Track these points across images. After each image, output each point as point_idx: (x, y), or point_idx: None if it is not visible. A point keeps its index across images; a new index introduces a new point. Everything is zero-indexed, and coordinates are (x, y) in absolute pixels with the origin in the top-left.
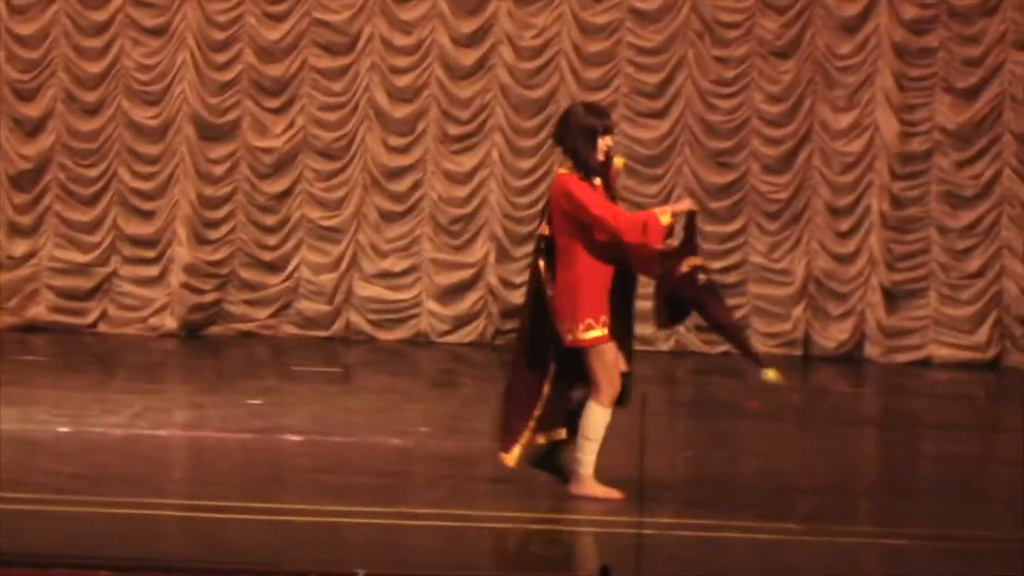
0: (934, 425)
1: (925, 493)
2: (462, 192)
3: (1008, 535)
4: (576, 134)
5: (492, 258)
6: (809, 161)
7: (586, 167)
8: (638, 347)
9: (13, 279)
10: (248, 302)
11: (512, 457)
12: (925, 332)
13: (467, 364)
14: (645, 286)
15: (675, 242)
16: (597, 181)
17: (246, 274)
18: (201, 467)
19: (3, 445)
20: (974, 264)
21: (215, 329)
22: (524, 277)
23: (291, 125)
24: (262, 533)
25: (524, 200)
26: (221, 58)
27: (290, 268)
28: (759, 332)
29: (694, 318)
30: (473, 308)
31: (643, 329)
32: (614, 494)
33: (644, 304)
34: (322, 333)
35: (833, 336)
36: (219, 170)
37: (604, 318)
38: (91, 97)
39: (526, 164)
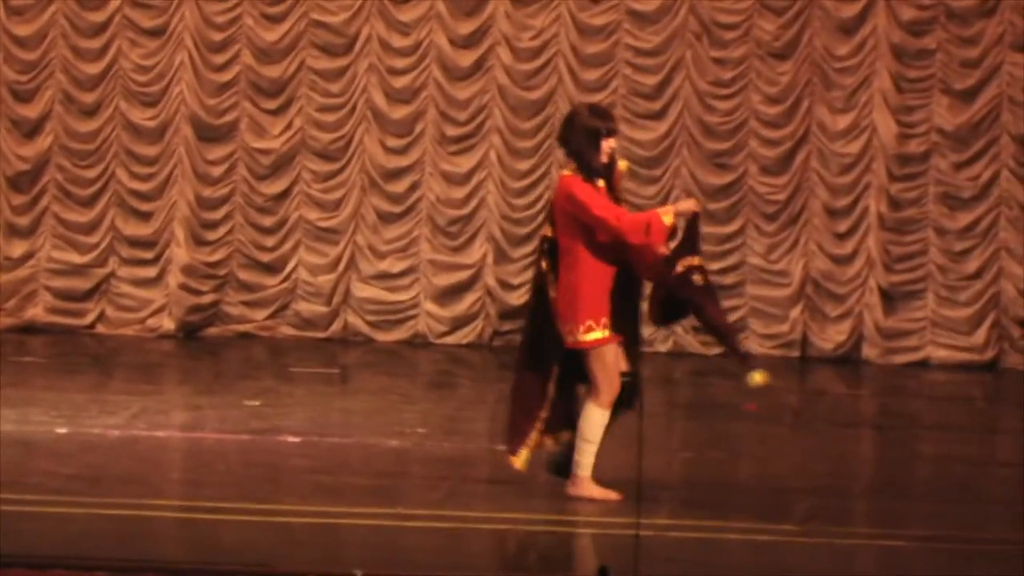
0: (932, 426)
1: (923, 494)
2: (460, 193)
3: (1006, 536)
4: (580, 136)
5: (490, 259)
6: (807, 162)
7: (589, 169)
8: None
9: (11, 280)
10: (246, 303)
11: (520, 460)
12: (923, 333)
13: (465, 365)
14: (648, 286)
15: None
16: (600, 183)
17: (244, 275)
18: (199, 468)
19: (1, 446)
20: (972, 266)
21: (213, 330)
22: (522, 278)
23: (289, 126)
24: (260, 534)
25: (522, 201)
26: (219, 59)
27: (288, 269)
28: (757, 333)
29: (691, 319)
30: (471, 309)
31: (642, 330)
32: (612, 495)
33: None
34: (320, 334)
35: (831, 337)
36: (217, 171)
37: (605, 320)
38: (89, 98)
39: (524, 165)
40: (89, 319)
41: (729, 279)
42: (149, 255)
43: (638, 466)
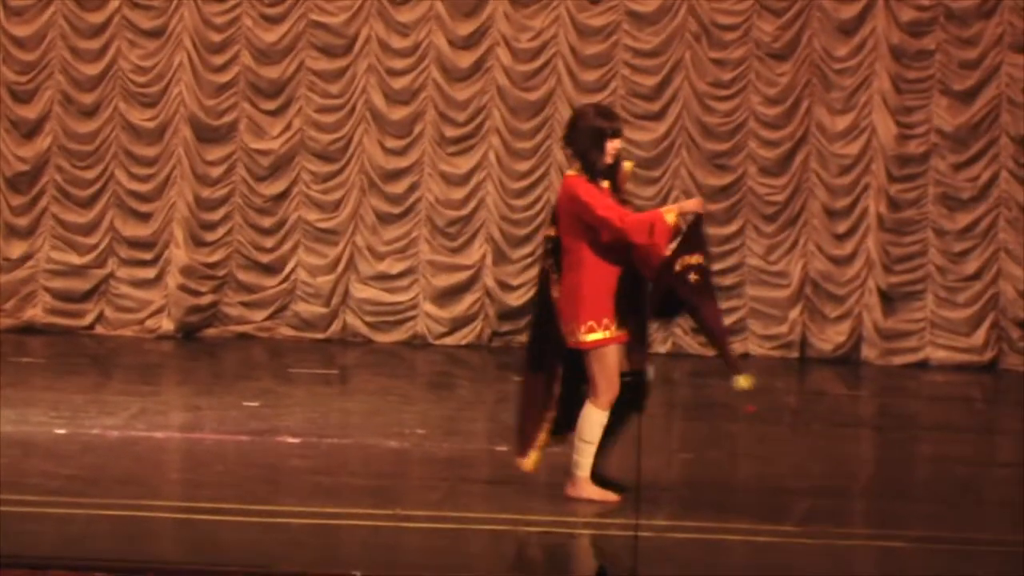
0: (931, 427)
1: (922, 495)
2: (459, 194)
3: (1005, 537)
4: (584, 136)
5: (489, 260)
6: (806, 163)
7: (593, 169)
8: None
9: (10, 281)
10: (245, 304)
11: (529, 462)
12: (922, 334)
13: (464, 366)
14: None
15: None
16: (605, 183)
17: (243, 276)
18: (198, 469)
19: (1, 447)
20: (971, 266)
21: (212, 331)
22: (521, 279)
23: (288, 127)
24: (258, 535)
25: (521, 202)
26: (218, 60)
27: (287, 270)
28: (756, 334)
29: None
30: (470, 310)
31: (649, 330)
32: (611, 497)
33: None
34: (319, 335)
35: (830, 338)
36: (216, 172)
37: (607, 320)
38: (88, 99)
39: (523, 166)
40: (88, 320)
41: (728, 280)
42: (148, 256)
43: (637, 467)
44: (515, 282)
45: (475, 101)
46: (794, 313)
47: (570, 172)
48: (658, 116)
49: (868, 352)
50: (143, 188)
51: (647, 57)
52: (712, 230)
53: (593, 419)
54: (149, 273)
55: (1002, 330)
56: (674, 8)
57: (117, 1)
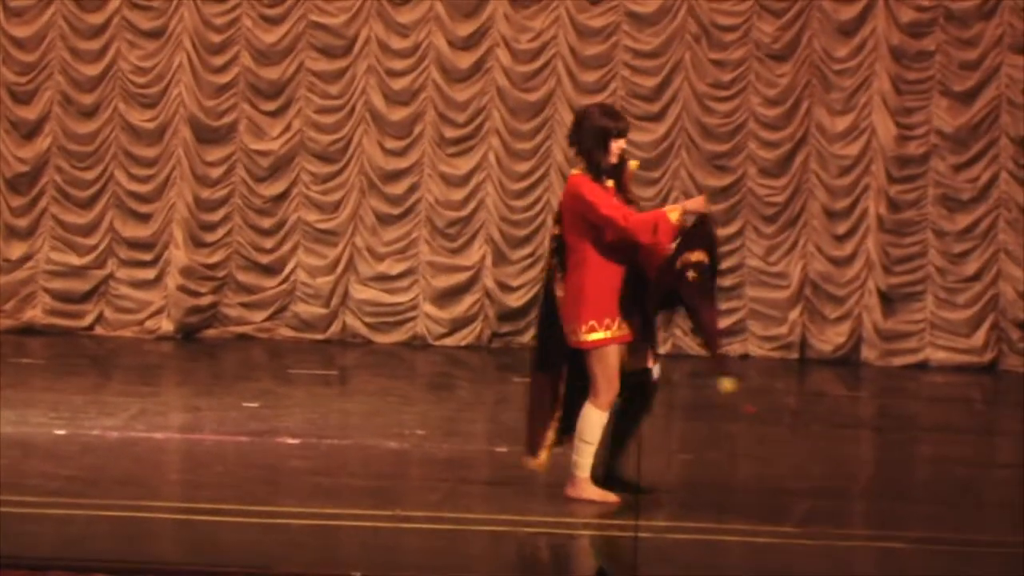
0: (931, 428)
1: (921, 496)
2: (459, 195)
3: (1005, 538)
4: (589, 136)
5: (489, 261)
6: (806, 164)
7: (598, 169)
8: None
9: (10, 282)
10: (244, 305)
11: (539, 462)
12: (922, 335)
13: (463, 367)
14: None
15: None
16: (610, 183)
17: (242, 277)
18: (197, 470)
19: (0, 448)
20: (971, 267)
21: (211, 332)
22: (521, 280)
23: (288, 128)
24: (258, 536)
25: (521, 203)
26: (218, 61)
27: (287, 271)
28: (756, 335)
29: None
30: (470, 311)
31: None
32: (610, 498)
33: None
34: (318, 336)
35: (830, 339)
36: (216, 173)
37: (608, 320)
38: (88, 100)
39: (523, 167)
40: (88, 321)
41: (728, 281)
42: (148, 257)
43: (637, 468)
44: (515, 283)
45: (475, 102)
46: (794, 314)
47: (574, 171)
48: (658, 117)
49: (868, 353)
50: (143, 189)
51: (647, 58)
52: None
53: (593, 419)
54: (149, 274)
55: (1002, 331)
56: (674, 9)
57: (117, 2)
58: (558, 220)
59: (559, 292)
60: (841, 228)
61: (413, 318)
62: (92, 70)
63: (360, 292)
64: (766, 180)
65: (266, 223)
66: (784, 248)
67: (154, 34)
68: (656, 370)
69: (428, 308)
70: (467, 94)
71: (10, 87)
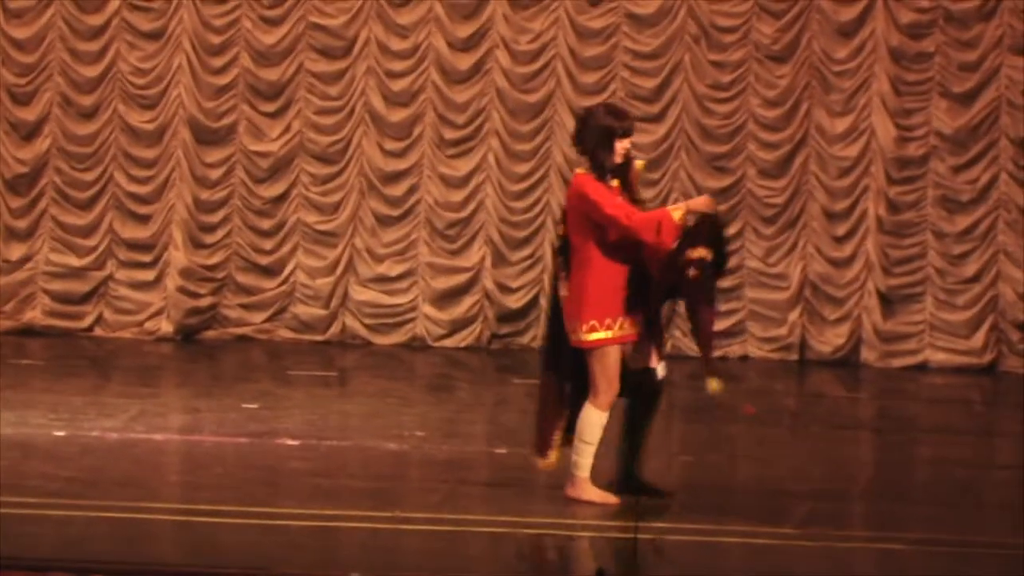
0: (930, 429)
1: (921, 497)
2: (458, 196)
3: (1004, 540)
4: (594, 135)
5: (488, 262)
6: (805, 165)
7: (602, 168)
8: None
9: (9, 283)
10: (244, 306)
11: (548, 462)
12: (921, 337)
13: (463, 368)
14: None
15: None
16: (615, 182)
17: (242, 278)
18: (197, 471)
19: (0, 449)
20: (970, 269)
21: (211, 333)
22: (520, 281)
23: (287, 129)
24: (257, 537)
25: (520, 204)
26: (217, 62)
27: (286, 272)
28: (755, 336)
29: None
30: (469, 312)
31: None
32: (610, 499)
33: None
34: (318, 337)
35: (829, 340)
36: (215, 174)
37: (610, 320)
38: (87, 101)
39: (522, 168)
40: (87, 322)
41: (727, 282)
42: (147, 258)
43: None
44: (514, 284)
45: (474, 103)
46: (793, 315)
47: (579, 170)
48: (657, 118)
49: (867, 354)
50: (142, 190)
51: (646, 59)
52: None
53: (592, 419)
54: (148, 275)
55: (1001, 332)
56: (673, 10)
57: (116, 3)
58: (563, 220)
59: (563, 292)
60: (841, 229)
61: (412, 319)
62: (92, 71)
63: (360, 293)
64: (766, 181)
65: (266, 224)
66: (784, 249)
67: (154, 35)
68: (661, 369)
69: (428, 309)
70: (467, 95)
71: (10, 88)
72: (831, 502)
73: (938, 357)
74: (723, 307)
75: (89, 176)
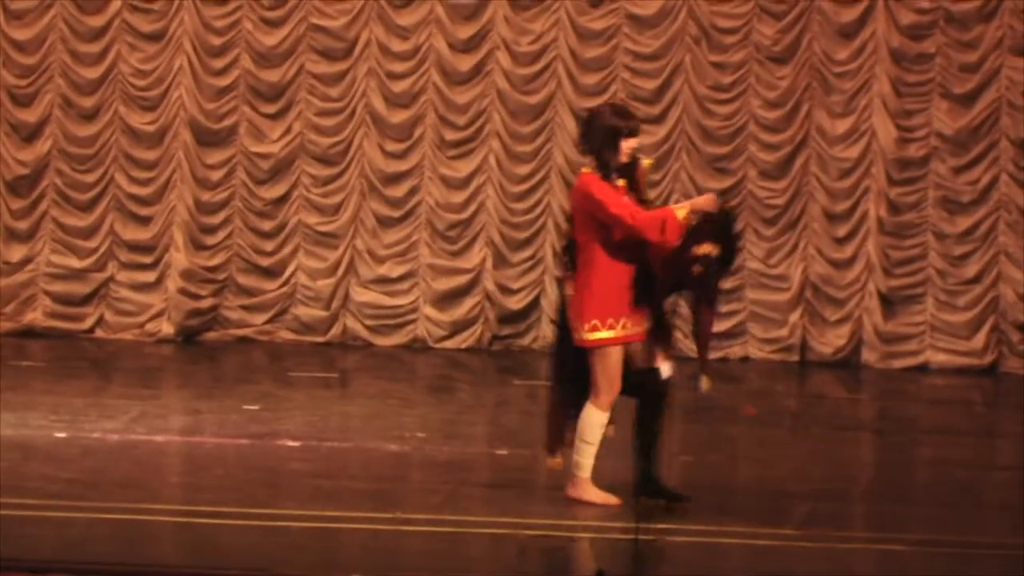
0: (931, 430)
1: (922, 498)
2: (459, 198)
3: (1005, 541)
4: (599, 134)
5: (489, 263)
6: (806, 167)
7: (607, 167)
8: None
9: (10, 284)
10: (245, 307)
11: (558, 461)
12: (922, 338)
13: (464, 369)
14: None
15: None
16: (621, 182)
17: (243, 279)
18: (198, 472)
19: (1, 450)
20: (971, 270)
21: (212, 334)
22: (521, 282)
23: (288, 130)
24: (258, 538)
25: (521, 206)
26: (218, 63)
27: (287, 273)
28: (756, 337)
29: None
30: (470, 313)
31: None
32: (611, 500)
33: None
34: (319, 338)
35: (830, 341)
36: (216, 175)
37: (612, 320)
38: (88, 102)
39: (523, 170)
40: (88, 323)
41: (728, 283)
42: (148, 259)
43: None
44: (515, 286)
45: (475, 104)
46: (794, 316)
47: (585, 169)
48: (658, 120)
49: (868, 355)
50: (143, 192)
51: (647, 60)
52: None
53: (593, 419)
54: (149, 277)
55: (1002, 333)
56: (674, 11)
57: (117, 5)
58: (569, 219)
59: (568, 291)
60: (841, 230)
61: (413, 321)
62: (92, 73)
63: (360, 295)
64: (766, 182)
65: (266, 226)
66: (784, 250)
67: (154, 37)
68: (665, 369)
69: (428, 311)
70: (467, 97)
71: (10, 90)
72: (832, 503)
73: (939, 358)
74: (724, 308)
75: (90, 178)
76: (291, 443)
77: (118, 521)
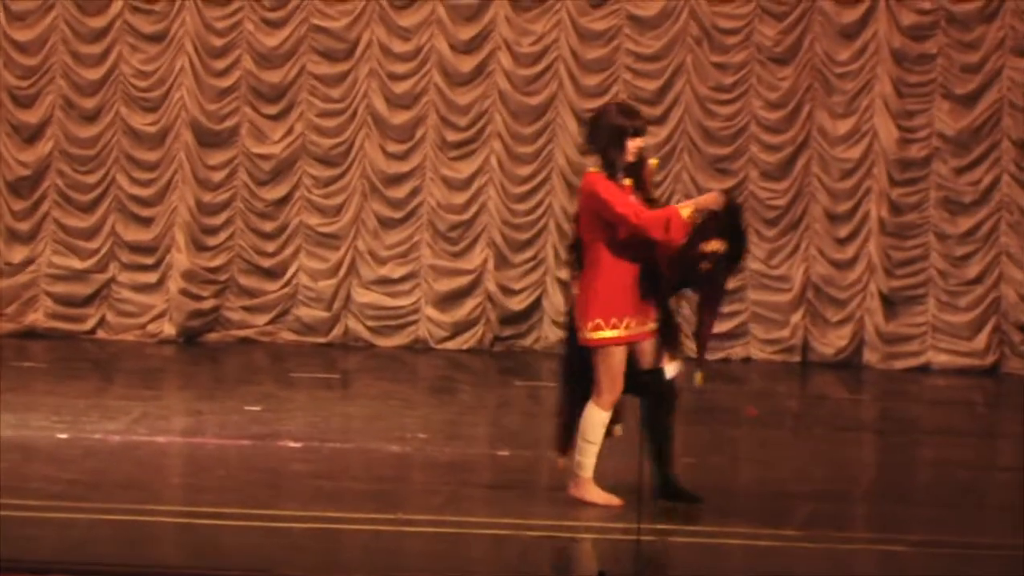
0: (932, 431)
1: (923, 499)
2: (461, 198)
3: (1006, 541)
4: (605, 134)
5: (491, 264)
6: (808, 167)
7: (613, 167)
8: None
9: (11, 286)
10: (247, 308)
11: (565, 461)
12: (924, 338)
13: (465, 370)
14: None
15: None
16: (627, 181)
17: (245, 280)
18: (199, 473)
19: (2, 451)
20: (973, 270)
21: (213, 335)
22: (523, 283)
23: (290, 131)
24: (260, 539)
25: (523, 207)
26: (220, 64)
27: (289, 274)
28: (758, 338)
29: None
30: (471, 314)
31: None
32: (613, 500)
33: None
34: (320, 339)
35: (832, 342)
36: (218, 176)
37: (616, 320)
38: (90, 103)
39: (525, 171)
40: (90, 324)
41: (730, 284)
42: (150, 260)
43: (639, 471)
44: (517, 286)
45: (476, 105)
46: (796, 317)
47: (591, 168)
48: (660, 120)
49: (870, 356)
50: (144, 192)
51: (648, 61)
52: None
53: (595, 419)
54: (150, 278)
55: (1003, 334)
56: (675, 12)
57: (118, 6)
58: (575, 219)
59: (575, 290)
60: (843, 231)
61: (415, 322)
62: (94, 74)
63: (362, 296)
64: (768, 183)
65: (268, 227)
66: (786, 251)
67: (156, 38)
68: (671, 370)
69: (430, 312)
70: (469, 98)
71: (11, 91)
72: (833, 504)
73: (940, 359)
74: (726, 309)
75: (91, 179)
76: (292, 444)
77: (119, 522)
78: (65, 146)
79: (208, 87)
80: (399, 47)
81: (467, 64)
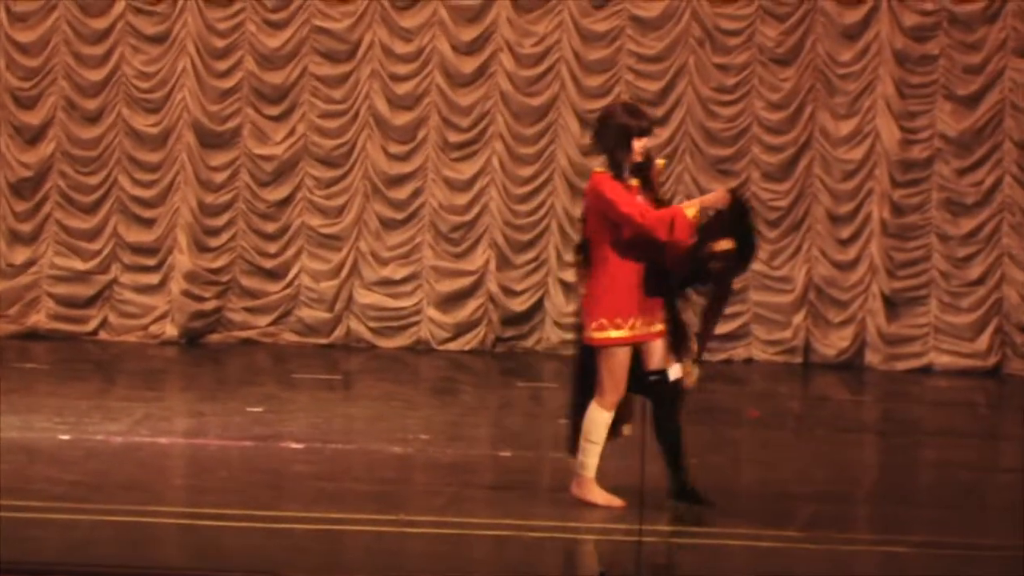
0: (934, 432)
1: (925, 500)
2: (462, 200)
3: (1008, 542)
4: (611, 134)
5: (492, 265)
6: (810, 168)
7: (619, 167)
8: None
9: (14, 287)
10: (248, 309)
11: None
12: (926, 339)
13: (467, 371)
14: None
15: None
16: (634, 181)
17: (246, 281)
18: (201, 474)
19: (4, 452)
20: (975, 272)
21: (215, 336)
22: (524, 284)
23: (292, 132)
24: (262, 541)
25: (524, 207)
26: (221, 65)
27: (290, 275)
28: (760, 339)
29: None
30: (473, 315)
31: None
32: (615, 501)
33: None
34: (322, 340)
35: (833, 343)
36: (220, 177)
37: (620, 320)
38: (91, 105)
39: (526, 172)
40: (92, 326)
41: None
42: (152, 261)
43: (641, 472)
44: (518, 287)
45: (478, 106)
46: (798, 318)
47: (597, 169)
48: (661, 121)
49: (872, 357)
50: (147, 194)
51: (651, 62)
52: None
53: (597, 419)
54: (153, 279)
55: (1006, 335)
56: (678, 13)
57: (121, 7)
58: (582, 219)
59: (581, 290)
60: (845, 232)
61: (417, 323)
62: (96, 75)
63: (364, 297)
64: (770, 184)
65: (270, 228)
66: (788, 252)
67: (158, 39)
68: (675, 371)
69: (432, 312)
70: (471, 99)
71: (14, 92)
72: (835, 505)
73: (942, 360)
74: (728, 310)
75: (93, 180)
76: (295, 445)
77: (122, 523)
78: (67, 147)
79: (210, 88)
80: (401, 48)
81: (469, 65)
